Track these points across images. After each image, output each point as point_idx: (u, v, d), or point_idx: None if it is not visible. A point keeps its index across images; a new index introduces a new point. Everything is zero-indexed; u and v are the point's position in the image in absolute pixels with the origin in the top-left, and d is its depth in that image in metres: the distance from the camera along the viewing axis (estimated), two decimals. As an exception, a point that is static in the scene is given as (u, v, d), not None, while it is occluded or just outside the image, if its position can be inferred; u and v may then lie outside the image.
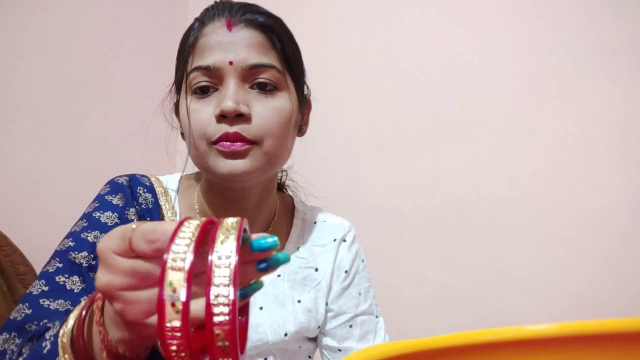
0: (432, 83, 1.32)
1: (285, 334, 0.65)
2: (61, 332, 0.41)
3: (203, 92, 0.58)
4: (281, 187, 0.80)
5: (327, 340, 0.71)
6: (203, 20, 0.60)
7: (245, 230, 0.35)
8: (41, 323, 0.51)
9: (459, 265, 1.25)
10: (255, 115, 0.57)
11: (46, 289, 0.54)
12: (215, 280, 0.29)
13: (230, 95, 0.55)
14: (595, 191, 1.11)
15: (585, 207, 1.11)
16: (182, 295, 0.29)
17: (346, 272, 0.72)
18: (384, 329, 0.74)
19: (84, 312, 0.40)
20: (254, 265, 0.35)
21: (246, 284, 0.35)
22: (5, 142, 1.23)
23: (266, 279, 0.40)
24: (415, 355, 0.28)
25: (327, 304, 0.70)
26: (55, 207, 1.28)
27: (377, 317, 0.74)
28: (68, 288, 0.55)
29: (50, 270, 0.56)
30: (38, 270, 0.62)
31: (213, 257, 0.30)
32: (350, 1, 1.46)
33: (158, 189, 0.67)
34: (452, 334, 0.28)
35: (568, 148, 1.14)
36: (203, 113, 0.57)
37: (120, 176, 0.66)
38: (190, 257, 0.30)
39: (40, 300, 0.53)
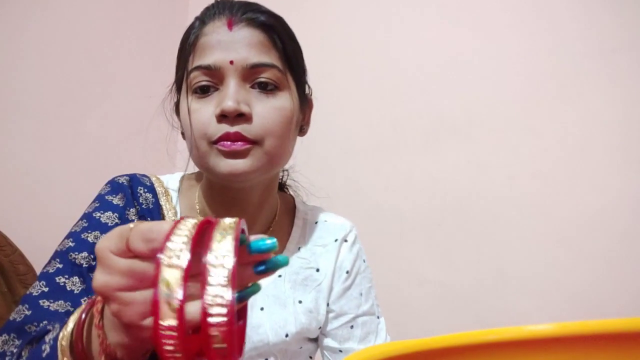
0: (432, 83, 1.32)
1: (286, 335, 0.65)
2: (60, 335, 0.41)
3: (203, 91, 0.58)
4: (282, 186, 0.80)
5: (328, 341, 0.71)
6: (203, 19, 0.60)
7: (243, 231, 0.34)
8: (41, 324, 0.51)
9: (459, 265, 1.25)
10: (256, 115, 0.56)
11: (46, 290, 0.54)
12: (212, 281, 0.29)
13: (231, 94, 0.55)
14: (595, 191, 1.11)
15: (585, 207, 1.11)
16: (179, 293, 0.28)
17: (347, 272, 0.71)
18: (385, 330, 0.74)
19: (83, 315, 0.40)
20: (252, 267, 0.34)
21: (244, 286, 0.34)
22: (5, 142, 1.23)
23: (266, 280, 0.40)
24: (415, 355, 0.28)
25: (328, 304, 0.70)
26: (55, 207, 1.28)
27: (378, 317, 0.74)
28: (68, 289, 0.54)
29: (50, 271, 0.56)
30: (38, 271, 0.61)
31: (210, 257, 0.29)
32: (350, 1, 1.46)
33: (159, 189, 0.67)
34: (452, 334, 0.28)
35: (568, 148, 1.14)
36: (203, 113, 0.57)
37: (120, 176, 0.66)
38: (186, 255, 0.29)
39: (40, 301, 0.53)
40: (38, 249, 0.89)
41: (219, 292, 0.28)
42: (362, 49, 1.43)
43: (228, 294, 0.28)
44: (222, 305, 0.28)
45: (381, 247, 1.31)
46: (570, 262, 1.12)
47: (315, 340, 0.72)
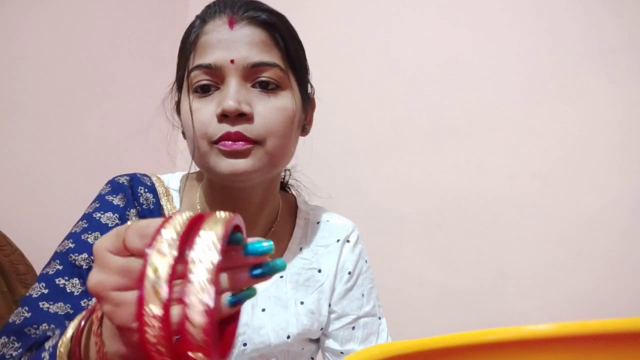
0: (432, 83, 1.32)
1: (288, 336, 0.64)
2: (60, 342, 0.40)
3: (204, 90, 0.57)
4: (284, 186, 0.79)
5: (329, 343, 0.70)
6: (204, 17, 0.59)
7: (240, 229, 0.34)
8: (41, 327, 0.50)
9: (459, 266, 1.25)
10: (257, 115, 0.56)
11: (46, 291, 0.53)
12: (193, 277, 0.28)
13: (232, 94, 0.55)
14: (595, 191, 1.11)
15: (585, 207, 1.11)
16: (164, 282, 0.28)
17: (349, 273, 0.71)
18: (386, 331, 0.73)
19: (83, 322, 0.40)
20: (248, 270, 0.33)
21: (239, 290, 0.33)
22: (5, 142, 1.23)
23: (268, 281, 0.39)
24: (415, 355, 0.28)
25: (330, 305, 0.69)
26: (55, 207, 1.28)
27: (380, 318, 0.73)
28: (68, 291, 0.54)
29: (50, 272, 0.55)
30: (38, 271, 0.61)
31: (192, 253, 0.29)
32: (350, 1, 1.46)
33: (159, 189, 0.66)
34: (452, 334, 0.28)
35: (568, 148, 1.14)
36: (204, 112, 0.56)
37: (121, 176, 0.65)
38: (175, 245, 0.29)
39: (40, 304, 0.52)
40: (38, 249, 0.88)
41: (198, 291, 0.28)
42: (362, 49, 1.42)
43: (206, 296, 0.28)
44: (202, 303, 0.28)
45: (381, 247, 1.31)
46: (570, 262, 1.12)
47: (317, 340, 0.72)
